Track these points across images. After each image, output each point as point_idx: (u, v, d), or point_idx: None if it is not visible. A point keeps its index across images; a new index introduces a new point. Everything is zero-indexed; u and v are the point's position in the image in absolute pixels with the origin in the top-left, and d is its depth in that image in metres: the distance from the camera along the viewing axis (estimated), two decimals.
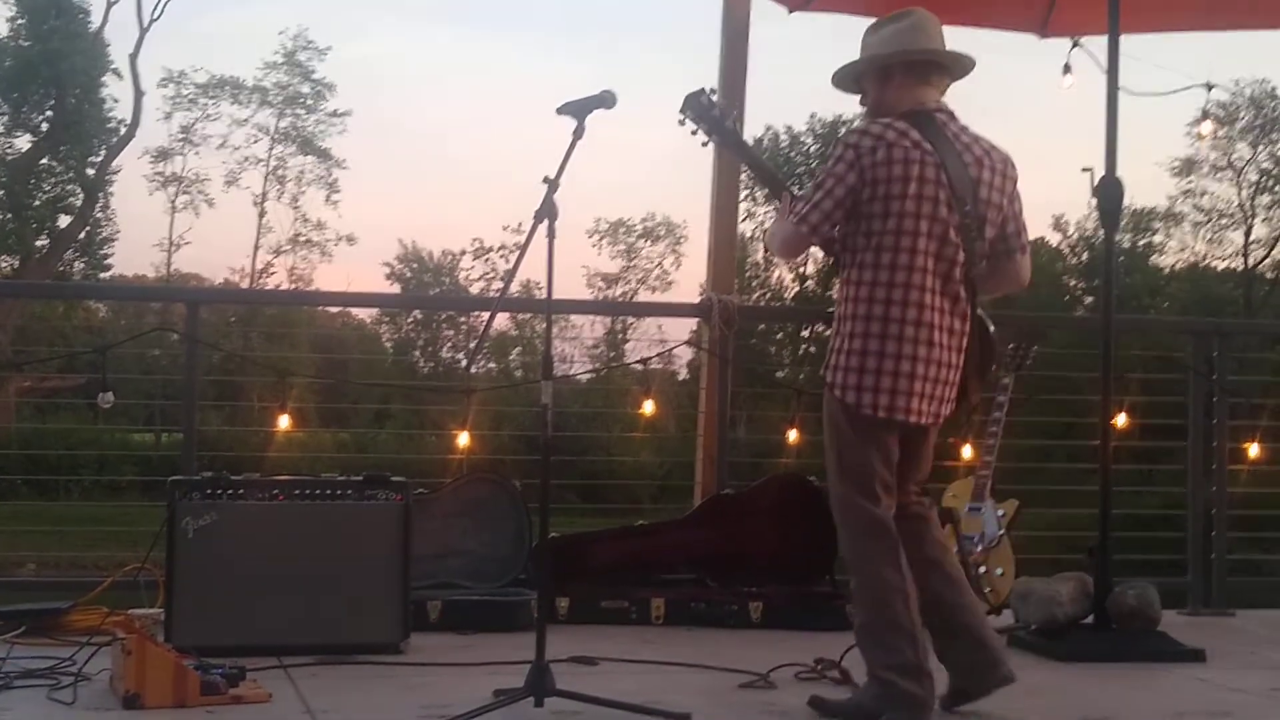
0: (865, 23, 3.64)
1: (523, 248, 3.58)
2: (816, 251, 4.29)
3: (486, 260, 35.86)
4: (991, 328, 3.67)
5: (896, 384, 3.37)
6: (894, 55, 3.52)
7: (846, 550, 3.51)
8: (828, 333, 3.69)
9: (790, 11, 5.87)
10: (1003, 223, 3.55)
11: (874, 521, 3.42)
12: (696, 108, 3.83)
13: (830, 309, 3.62)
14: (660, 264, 37.08)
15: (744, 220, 30.88)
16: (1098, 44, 5.19)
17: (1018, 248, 3.59)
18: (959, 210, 3.41)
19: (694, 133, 3.85)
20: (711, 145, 3.91)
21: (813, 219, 3.41)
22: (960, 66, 3.61)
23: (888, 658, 3.37)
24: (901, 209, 3.37)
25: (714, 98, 3.82)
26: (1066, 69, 5.98)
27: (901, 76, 3.53)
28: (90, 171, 29.42)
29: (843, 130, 34.27)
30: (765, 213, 34.06)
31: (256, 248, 34.41)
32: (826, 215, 3.41)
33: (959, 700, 3.57)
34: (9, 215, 28.46)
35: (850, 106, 39.27)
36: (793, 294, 33.99)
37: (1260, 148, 34.06)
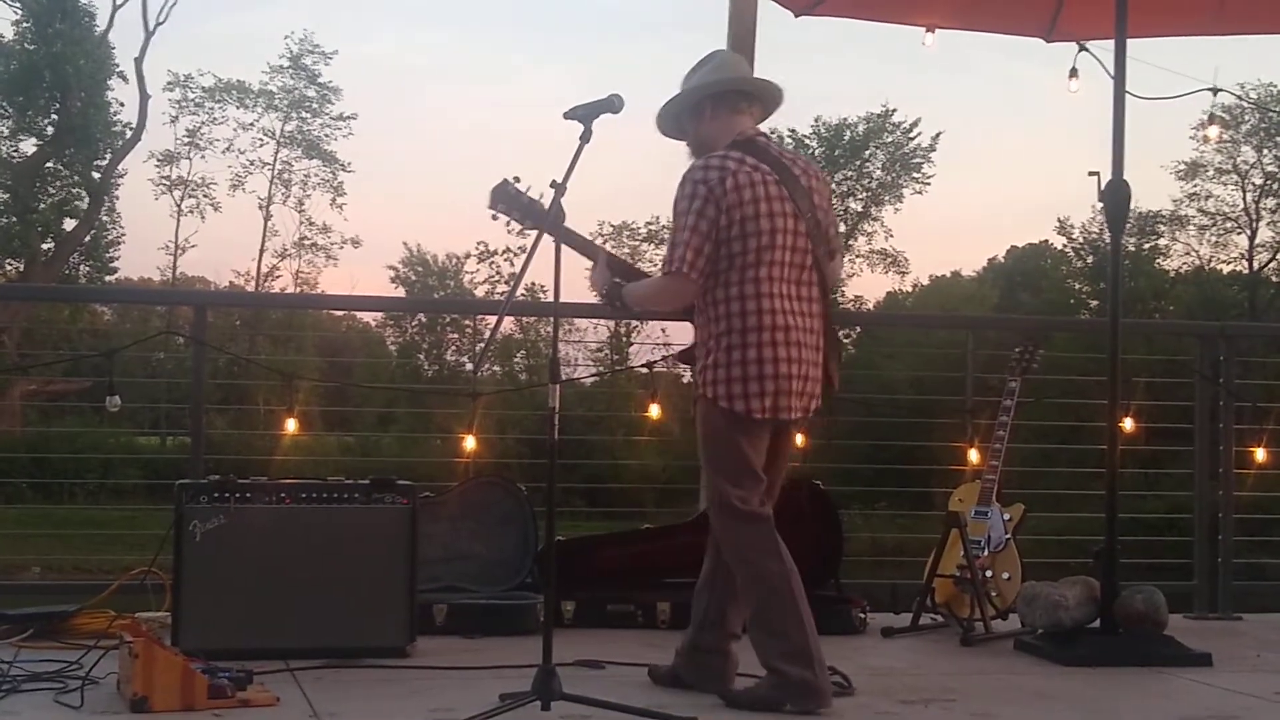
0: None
1: (529, 251, 3.60)
2: None
3: (491, 264, 35.84)
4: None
5: (773, 386, 3.64)
6: (699, 90, 3.80)
7: (729, 547, 3.72)
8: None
9: (796, 15, 5.88)
10: (828, 227, 3.82)
11: (753, 516, 3.67)
12: (505, 198, 3.88)
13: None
14: None
15: None
16: (1104, 48, 5.19)
17: (837, 249, 3.91)
18: (804, 219, 3.71)
19: (508, 225, 3.92)
20: (539, 232, 3.75)
21: (690, 259, 3.62)
22: (768, 94, 3.89)
23: (778, 645, 3.59)
24: (757, 228, 3.64)
25: (519, 185, 3.87)
26: (1073, 73, 5.99)
27: (713, 109, 3.79)
28: (96, 175, 29.48)
29: (848, 140, 34.27)
30: None
31: (262, 251, 34.51)
32: (699, 252, 3.63)
33: (669, 682, 3.83)
34: (14, 219, 28.50)
35: (855, 110, 39.43)
36: None
37: (1265, 151, 34.05)
